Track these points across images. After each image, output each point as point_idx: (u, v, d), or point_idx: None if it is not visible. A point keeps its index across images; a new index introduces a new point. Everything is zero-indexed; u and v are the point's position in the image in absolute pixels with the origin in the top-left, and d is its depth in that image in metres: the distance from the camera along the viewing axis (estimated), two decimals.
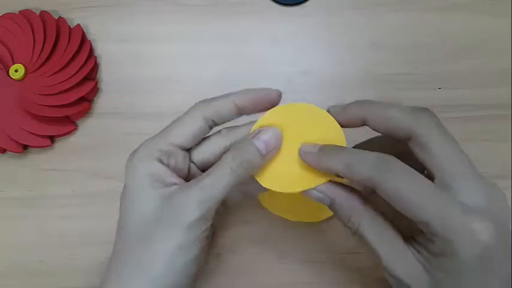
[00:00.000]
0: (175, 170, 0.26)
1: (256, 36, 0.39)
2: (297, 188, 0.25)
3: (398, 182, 0.22)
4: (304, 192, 0.25)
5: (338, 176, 0.24)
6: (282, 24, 0.39)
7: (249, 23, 0.39)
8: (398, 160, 0.22)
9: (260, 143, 0.24)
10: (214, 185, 0.24)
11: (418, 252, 0.23)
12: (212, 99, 0.26)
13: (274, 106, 0.27)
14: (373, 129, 0.25)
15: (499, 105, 0.37)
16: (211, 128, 0.27)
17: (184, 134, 0.26)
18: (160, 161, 0.25)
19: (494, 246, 0.21)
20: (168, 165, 0.25)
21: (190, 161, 0.27)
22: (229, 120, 0.27)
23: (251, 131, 0.26)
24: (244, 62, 0.38)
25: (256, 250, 0.34)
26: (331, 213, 0.33)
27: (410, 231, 0.23)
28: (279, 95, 0.27)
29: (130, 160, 0.25)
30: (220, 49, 0.39)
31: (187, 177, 0.27)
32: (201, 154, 0.27)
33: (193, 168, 0.28)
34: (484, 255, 0.21)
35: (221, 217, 0.35)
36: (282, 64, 0.38)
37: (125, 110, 0.38)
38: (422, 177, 0.22)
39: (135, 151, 0.26)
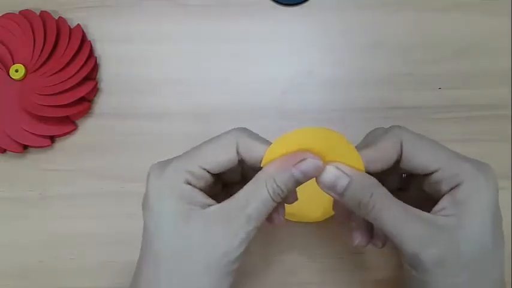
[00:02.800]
0: (204, 190, 0.25)
1: (256, 36, 0.39)
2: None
3: (418, 137, 0.24)
4: (319, 178, 0.24)
5: None
6: (282, 24, 0.39)
7: (249, 23, 0.39)
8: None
9: (299, 173, 0.23)
10: (258, 214, 0.23)
11: (445, 215, 0.23)
12: (251, 134, 0.25)
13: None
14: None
15: (499, 105, 0.37)
16: (240, 162, 0.25)
17: (215, 160, 0.24)
18: (190, 183, 0.24)
19: (497, 189, 0.24)
20: (198, 188, 0.24)
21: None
22: (252, 165, 0.25)
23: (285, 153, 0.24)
24: (244, 62, 0.38)
25: (256, 250, 0.34)
26: (330, 214, 0.33)
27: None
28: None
29: (159, 175, 0.24)
30: (220, 49, 0.39)
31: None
32: (230, 174, 0.26)
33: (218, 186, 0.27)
34: (496, 201, 0.24)
35: None
36: (282, 64, 0.38)
37: (125, 110, 0.38)
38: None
39: (163, 167, 0.24)
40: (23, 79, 0.36)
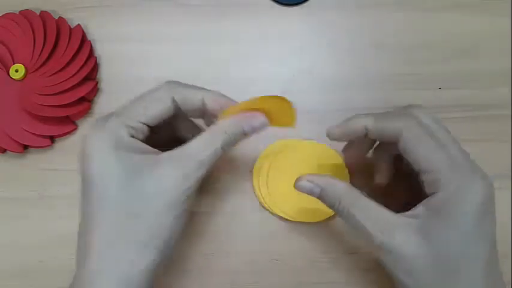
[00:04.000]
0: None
1: (256, 36, 0.39)
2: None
3: (419, 133, 0.25)
4: (296, 186, 0.28)
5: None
6: (282, 24, 0.39)
7: (249, 23, 0.39)
8: (420, 121, 0.26)
9: (249, 128, 0.27)
10: (207, 163, 0.25)
11: (413, 217, 0.24)
12: (184, 84, 0.27)
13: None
14: (372, 137, 0.28)
15: (499, 105, 0.37)
16: (176, 112, 0.27)
17: (152, 113, 0.26)
18: (132, 136, 0.26)
19: (489, 201, 0.23)
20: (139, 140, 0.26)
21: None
22: (190, 114, 0.28)
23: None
24: (244, 62, 0.38)
25: (255, 250, 0.34)
26: (330, 214, 0.33)
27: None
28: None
29: (101, 129, 0.25)
30: (220, 49, 0.39)
31: None
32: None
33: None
34: (483, 206, 0.23)
35: (221, 216, 0.35)
36: (282, 64, 0.38)
37: None
38: (437, 134, 0.25)
39: (104, 121, 0.26)
40: (23, 79, 0.36)
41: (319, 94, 0.38)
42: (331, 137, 0.29)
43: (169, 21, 0.39)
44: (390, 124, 0.26)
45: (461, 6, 0.39)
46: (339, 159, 0.34)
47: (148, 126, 0.26)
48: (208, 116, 0.28)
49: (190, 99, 0.27)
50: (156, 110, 0.26)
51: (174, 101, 0.26)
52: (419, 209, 0.25)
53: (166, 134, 0.30)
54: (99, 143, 0.25)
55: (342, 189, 0.26)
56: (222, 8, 0.39)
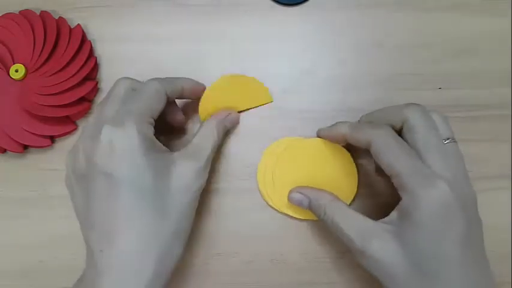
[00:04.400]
0: None
1: (256, 36, 0.39)
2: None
3: (386, 141, 0.27)
4: (289, 198, 0.32)
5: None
6: (282, 24, 0.39)
7: (249, 23, 0.39)
8: (388, 127, 0.28)
9: (229, 124, 0.35)
10: (205, 156, 0.30)
11: (389, 223, 0.26)
12: (169, 78, 0.32)
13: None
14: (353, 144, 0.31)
15: (499, 105, 0.37)
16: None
17: (158, 108, 0.29)
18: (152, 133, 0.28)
19: (452, 203, 0.24)
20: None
21: None
22: (173, 99, 0.33)
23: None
24: (244, 62, 0.38)
25: (256, 250, 0.34)
26: None
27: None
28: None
29: (123, 127, 0.26)
30: (220, 49, 0.39)
31: None
32: None
33: None
34: (443, 209, 0.24)
35: (221, 216, 0.35)
36: (282, 64, 0.38)
37: None
38: (404, 142, 0.27)
39: (124, 124, 0.26)
40: (23, 79, 0.36)
41: (319, 94, 0.38)
42: (320, 137, 0.34)
43: (169, 21, 0.39)
44: (362, 133, 0.29)
45: (461, 6, 0.39)
46: (345, 155, 0.34)
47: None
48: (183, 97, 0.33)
49: (175, 89, 0.31)
50: (160, 104, 0.29)
51: (166, 93, 0.30)
52: (393, 214, 0.26)
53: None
54: (129, 142, 0.26)
55: (327, 200, 0.30)
56: (222, 8, 0.39)
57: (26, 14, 0.38)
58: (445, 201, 0.24)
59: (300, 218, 0.34)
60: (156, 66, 0.38)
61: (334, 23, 0.39)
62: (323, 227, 0.35)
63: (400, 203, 0.26)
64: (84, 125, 0.31)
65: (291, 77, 0.38)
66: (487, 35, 0.39)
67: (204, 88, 0.34)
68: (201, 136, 0.31)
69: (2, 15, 0.38)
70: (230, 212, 0.35)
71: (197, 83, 0.34)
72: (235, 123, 0.36)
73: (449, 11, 0.39)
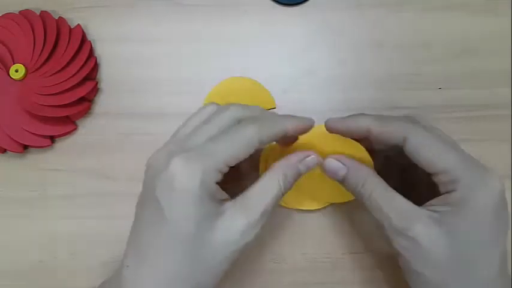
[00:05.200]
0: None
1: (256, 36, 0.39)
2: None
3: (425, 134, 0.25)
4: (325, 164, 0.28)
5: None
6: (282, 24, 0.39)
7: (249, 23, 0.39)
8: (419, 120, 0.27)
9: (304, 167, 0.28)
10: (258, 210, 0.25)
11: (432, 211, 0.25)
12: (271, 119, 0.27)
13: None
14: (374, 140, 0.28)
15: (499, 105, 0.37)
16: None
17: (239, 157, 0.25)
18: (216, 181, 0.25)
19: (503, 198, 0.24)
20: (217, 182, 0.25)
21: None
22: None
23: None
24: (244, 62, 0.38)
25: (255, 250, 0.34)
26: (333, 200, 0.33)
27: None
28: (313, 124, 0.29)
29: (191, 166, 0.24)
30: (220, 49, 0.39)
31: None
32: None
33: None
34: (497, 202, 0.24)
35: None
36: (282, 64, 0.38)
37: (125, 110, 0.38)
38: (442, 134, 0.26)
39: (194, 165, 0.24)
40: (23, 79, 0.36)
41: (320, 94, 0.38)
42: (330, 129, 0.29)
43: (169, 21, 0.39)
44: (395, 128, 0.26)
45: (462, 7, 0.39)
46: (355, 143, 0.31)
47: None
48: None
49: (274, 135, 0.26)
50: (244, 154, 0.25)
51: (260, 141, 0.26)
52: (437, 205, 0.25)
53: None
54: (190, 182, 0.24)
55: (368, 172, 0.27)
56: (222, 8, 0.39)
57: (26, 14, 0.38)
58: (499, 195, 0.24)
59: (309, 209, 0.34)
60: (156, 66, 0.38)
61: (334, 23, 0.39)
62: (323, 227, 0.35)
63: (447, 196, 0.25)
64: (168, 139, 0.28)
65: (291, 77, 0.38)
66: (487, 35, 0.39)
67: (313, 124, 0.28)
68: (260, 185, 0.26)
69: (2, 15, 0.38)
70: None
71: (303, 120, 0.28)
72: (312, 167, 0.28)
73: (449, 11, 0.39)
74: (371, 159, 0.30)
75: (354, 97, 0.37)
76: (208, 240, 0.24)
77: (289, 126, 0.27)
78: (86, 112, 0.38)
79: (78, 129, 0.37)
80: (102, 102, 0.38)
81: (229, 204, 0.25)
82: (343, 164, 0.28)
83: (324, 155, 0.29)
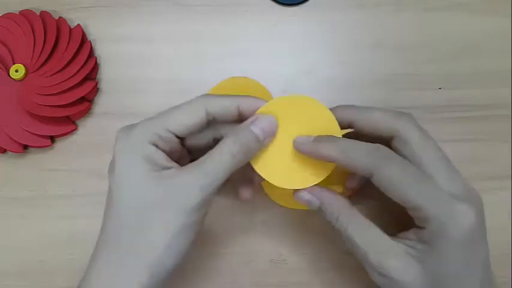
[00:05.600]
0: (168, 155, 0.26)
1: (256, 36, 0.39)
2: (291, 185, 0.27)
3: (393, 170, 0.24)
4: (295, 196, 0.27)
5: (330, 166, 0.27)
6: (282, 24, 0.39)
7: (249, 23, 0.39)
8: (391, 150, 0.24)
9: (257, 129, 0.25)
10: (216, 170, 0.24)
11: (410, 247, 0.24)
12: (217, 96, 0.27)
13: None
14: (358, 131, 0.27)
15: (499, 105, 0.37)
16: (208, 124, 0.26)
17: (183, 123, 0.25)
18: (156, 145, 0.25)
19: (477, 228, 0.23)
20: (163, 150, 0.25)
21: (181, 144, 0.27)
22: (227, 121, 0.27)
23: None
24: (244, 63, 0.38)
25: (255, 250, 0.34)
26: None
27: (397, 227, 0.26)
28: None
29: (125, 138, 0.25)
30: (220, 49, 0.39)
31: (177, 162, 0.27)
32: (194, 139, 0.28)
33: (183, 152, 0.28)
34: (470, 235, 0.23)
35: (221, 216, 0.35)
36: (282, 64, 0.38)
37: (125, 110, 0.38)
38: (412, 166, 0.24)
39: (129, 129, 0.25)
40: (23, 79, 0.36)
41: (319, 94, 0.37)
42: (299, 151, 0.27)
43: (169, 21, 0.39)
44: (359, 159, 0.24)
45: (461, 6, 0.39)
46: (329, 116, 0.28)
47: (177, 137, 0.26)
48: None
49: (227, 109, 0.26)
50: (188, 120, 0.25)
51: (208, 113, 0.26)
52: (411, 236, 0.25)
53: (206, 138, 0.29)
54: (123, 150, 0.25)
55: (341, 206, 0.26)
56: (221, 8, 0.39)
57: (26, 14, 0.38)
58: (471, 228, 0.23)
59: (302, 208, 0.33)
60: (156, 66, 0.38)
61: (334, 23, 0.39)
62: (323, 227, 0.35)
63: (420, 231, 0.24)
64: None
65: (291, 77, 0.38)
66: (487, 35, 0.39)
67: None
68: (208, 153, 0.25)
69: (2, 15, 0.38)
70: (230, 212, 0.35)
71: (261, 101, 0.27)
72: (269, 130, 0.26)
73: (449, 11, 0.39)
74: (339, 129, 0.27)
75: (353, 97, 0.37)
76: (156, 197, 0.24)
77: (241, 101, 0.26)
78: (86, 112, 0.38)
79: (78, 129, 0.37)
80: (102, 102, 0.38)
81: (178, 167, 0.25)
82: (317, 197, 0.27)
83: (292, 127, 0.27)
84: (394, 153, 0.24)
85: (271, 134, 0.26)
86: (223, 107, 0.26)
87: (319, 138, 0.26)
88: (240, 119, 0.27)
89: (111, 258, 0.24)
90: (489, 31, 0.39)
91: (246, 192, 0.30)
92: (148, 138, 0.25)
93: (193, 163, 0.25)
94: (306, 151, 0.26)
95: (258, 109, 0.27)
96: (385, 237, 0.25)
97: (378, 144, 0.25)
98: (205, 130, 0.27)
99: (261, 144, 0.26)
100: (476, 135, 0.36)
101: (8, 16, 0.38)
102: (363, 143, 0.25)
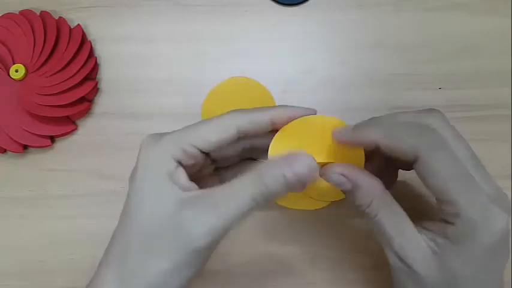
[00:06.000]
0: (191, 167, 0.25)
1: (256, 36, 0.39)
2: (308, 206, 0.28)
3: (442, 158, 0.22)
4: (325, 176, 0.25)
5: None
6: (282, 24, 0.39)
7: (249, 23, 0.39)
8: (440, 134, 0.23)
9: (291, 174, 0.22)
10: (229, 212, 0.22)
11: (431, 240, 0.24)
12: (247, 111, 0.25)
13: None
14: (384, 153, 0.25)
15: (499, 105, 0.37)
16: (239, 139, 0.25)
17: (211, 140, 0.24)
18: (180, 162, 0.24)
19: (506, 234, 0.22)
20: (186, 165, 0.25)
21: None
22: (260, 136, 0.26)
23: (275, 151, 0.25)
24: (244, 63, 0.38)
25: (255, 250, 0.34)
26: (333, 198, 0.32)
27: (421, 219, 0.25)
28: (315, 113, 0.26)
29: (151, 148, 0.24)
30: (220, 49, 0.39)
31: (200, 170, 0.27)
32: (221, 150, 0.26)
33: (207, 161, 0.27)
34: (498, 241, 0.22)
35: None
36: (282, 64, 0.38)
37: (125, 110, 0.38)
38: (458, 157, 0.23)
39: (157, 139, 0.24)
40: (23, 79, 0.36)
41: (319, 94, 0.38)
42: (338, 141, 0.26)
43: (169, 21, 0.39)
44: (406, 143, 0.23)
45: (461, 6, 0.39)
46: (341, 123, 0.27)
47: (202, 152, 0.25)
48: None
49: (258, 124, 0.25)
50: (217, 137, 0.24)
51: (239, 131, 0.24)
52: (437, 233, 0.24)
53: (234, 149, 0.28)
54: (148, 160, 0.24)
55: (377, 192, 0.25)
56: (221, 8, 0.39)
57: (26, 14, 0.38)
58: (501, 234, 0.22)
59: (302, 208, 0.33)
60: (156, 66, 0.38)
61: (334, 23, 0.39)
62: (323, 227, 0.35)
63: (447, 226, 0.23)
64: None
65: (291, 77, 0.38)
66: (487, 35, 0.39)
67: (302, 114, 0.26)
68: (228, 185, 0.23)
69: (2, 15, 0.38)
70: None
71: (297, 110, 0.26)
72: (303, 175, 0.23)
73: (449, 10, 0.39)
74: (363, 158, 0.27)
75: (353, 97, 0.37)
76: (167, 225, 0.23)
77: (273, 113, 0.25)
78: (86, 112, 0.38)
79: (78, 129, 0.37)
80: (102, 102, 0.38)
81: (193, 195, 0.23)
82: (349, 179, 0.25)
83: (316, 149, 0.26)
84: (443, 137, 0.23)
85: (309, 181, 0.23)
86: (255, 123, 0.25)
87: (360, 124, 0.25)
88: (274, 129, 0.26)
89: (118, 271, 0.24)
90: (489, 31, 0.39)
91: None
92: (174, 153, 0.24)
93: (208, 194, 0.23)
94: (348, 139, 0.25)
95: (290, 118, 0.25)
96: (412, 226, 0.25)
97: (427, 126, 0.23)
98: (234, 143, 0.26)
99: (293, 190, 0.23)
100: (476, 135, 0.36)
101: (8, 16, 0.38)
102: (409, 122, 0.24)
